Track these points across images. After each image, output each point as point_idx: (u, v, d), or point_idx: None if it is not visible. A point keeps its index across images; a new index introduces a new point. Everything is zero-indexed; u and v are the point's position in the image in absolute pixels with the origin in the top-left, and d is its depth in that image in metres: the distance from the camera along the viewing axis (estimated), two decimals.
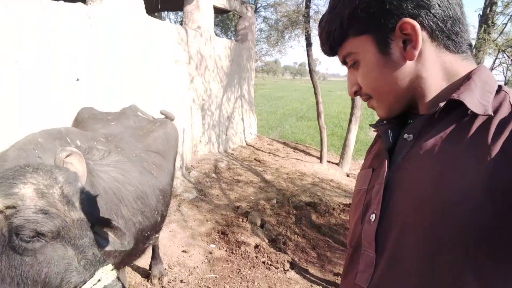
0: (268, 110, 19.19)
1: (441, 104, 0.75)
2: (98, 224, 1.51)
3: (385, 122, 0.89)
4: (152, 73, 5.55)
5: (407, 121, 0.87)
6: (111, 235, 1.55)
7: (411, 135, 0.81)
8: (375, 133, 0.98)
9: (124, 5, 4.94)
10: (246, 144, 9.68)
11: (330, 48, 0.87)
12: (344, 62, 0.88)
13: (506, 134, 0.67)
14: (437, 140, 0.74)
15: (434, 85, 0.79)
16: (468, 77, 0.77)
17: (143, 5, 5.31)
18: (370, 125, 0.95)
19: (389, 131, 0.87)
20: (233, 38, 11.91)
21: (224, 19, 14.77)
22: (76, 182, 1.40)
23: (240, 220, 5.07)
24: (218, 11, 8.35)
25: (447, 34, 0.77)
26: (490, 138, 0.68)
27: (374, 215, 0.80)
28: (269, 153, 9.07)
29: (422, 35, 0.76)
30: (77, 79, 4.16)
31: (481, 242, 0.65)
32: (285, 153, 9.27)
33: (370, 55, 0.80)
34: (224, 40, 8.44)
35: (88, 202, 1.41)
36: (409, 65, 0.78)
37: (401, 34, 0.76)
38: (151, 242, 2.49)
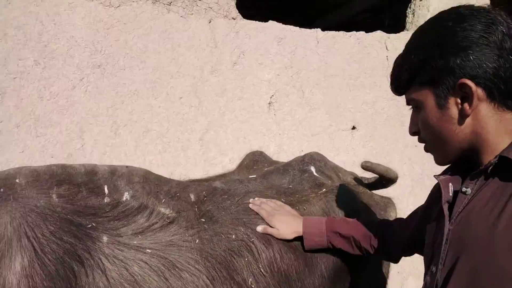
0: None
1: (492, 161, 0.81)
2: None
3: (449, 173, 0.94)
4: None
5: (469, 174, 0.90)
6: None
7: (469, 189, 0.85)
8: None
9: None
10: None
11: (396, 90, 0.97)
12: (408, 104, 0.97)
13: None
14: (488, 197, 0.79)
15: (493, 141, 0.83)
16: None
17: None
18: (434, 176, 0.97)
19: (450, 184, 0.90)
20: None
21: None
22: None
23: None
24: None
25: (507, 94, 0.82)
26: None
27: (434, 268, 0.87)
28: None
29: (478, 94, 0.81)
30: (353, 127, 3.26)
31: None
32: None
33: (429, 106, 0.87)
34: None
35: None
36: (465, 120, 0.84)
37: (460, 91, 0.82)
38: None
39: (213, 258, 1.14)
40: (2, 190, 1.04)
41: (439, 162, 0.95)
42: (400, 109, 3.31)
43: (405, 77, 0.91)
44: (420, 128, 0.93)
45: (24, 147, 2.43)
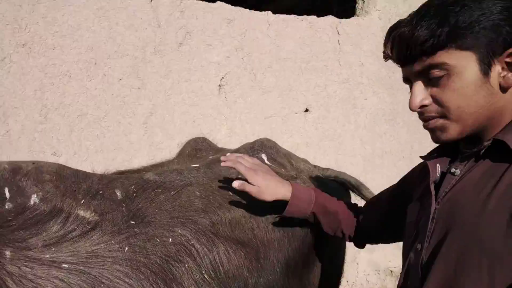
0: None
1: (486, 143, 0.78)
2: None
3: (435, 154, 0.90)
4: None
5: (457, 155, 0.87)
6: None
7: (458, 170, 0.82)
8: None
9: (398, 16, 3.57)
10: None
11: (420, 53, 0.78)
12: (420, 73, 0.80)
13: None
14: (478, 178, 0.77)
15: (507, 120, 0.79)
16: None
17: None
18: (420, 157, 0.94)
19: (438, 164, 0.87)
20: None
21: None
22: None
23: None
24: None
25: None
26: None
27: (420, 245, 0.83)
28: None
29: None
30: (306, 110, 3.13)
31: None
32: None
33: (469, 72, 0.76)
34: None
35: None
36: (504, 92, 0.77)
37: (505, 61, 0.75)
38: None
39: (147, 268, 0.94)
40: None
41: (447, 138, 0.81)
42: (351, 92, 3.23)
43: (439, 40, 0.75)
44: (444, 100, 0.78)
45: None
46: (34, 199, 0.94)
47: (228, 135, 2.77)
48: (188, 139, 2.66)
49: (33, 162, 0.99)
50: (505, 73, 0.75)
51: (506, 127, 0.77)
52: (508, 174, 0.72)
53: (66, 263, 0.88)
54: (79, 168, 2.36)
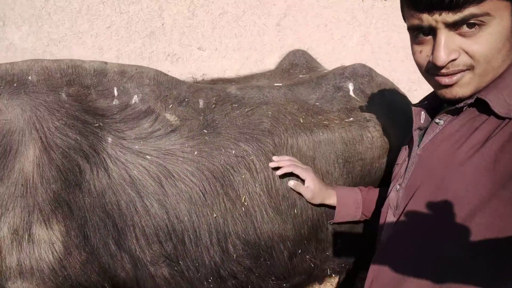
0: None
1: (468, 101, 0.75)
2: None
3: (425, 102, 0.89)
4: None
5: (442, 106, 0.86)
6: None
7: (442, 121, 0.81)
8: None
9: None
10: None
11: (464, 2, 0.68)
12: (453, 24, 0.70)
13: None
14: (457, 129, 0.77)
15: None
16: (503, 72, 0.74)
17: None
18: (411, 104, 0.93)
19: (423, 112, 0.87)
20: None
21: None
22: None
23: None
24: None
25: None
26: (504, 138, 0.69)
27: (399, 186, 0.86)
28: None
29: None
30: None
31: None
32: None
33: (503, 24, 0.71)
34: None
35: None
36: None
37: None
38: None
39: (210, 172, 1.07)
40: (15, 85, 1.07)
41: (463, 94, 0.75)
42: None
43: None
44: (477, 52, 0.71)
45: (111, 22, 2.49)
46: (135, 99, 1.12)
47: (360, 43, 2.53)
48: (318, 44, 2.56)
49: (136, 69, 1.15)
50: None
51: (490, 85, 0.73)
52: (483, 126, 0.72)
53: (149, 155, 1.07)
54: (219, 64, 2.59)
